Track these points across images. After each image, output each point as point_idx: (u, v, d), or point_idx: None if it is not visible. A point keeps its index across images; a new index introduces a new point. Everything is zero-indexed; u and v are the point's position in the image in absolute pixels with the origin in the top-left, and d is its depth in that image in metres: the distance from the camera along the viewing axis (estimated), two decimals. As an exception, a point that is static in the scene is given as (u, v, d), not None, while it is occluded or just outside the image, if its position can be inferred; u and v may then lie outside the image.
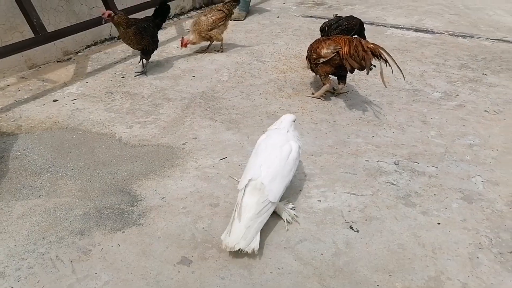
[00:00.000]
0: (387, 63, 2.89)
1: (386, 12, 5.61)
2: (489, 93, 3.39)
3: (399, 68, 2.90)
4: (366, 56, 2.84)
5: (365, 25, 3.93)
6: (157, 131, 2.80)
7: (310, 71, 3.42)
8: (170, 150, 2.60)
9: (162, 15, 3.64)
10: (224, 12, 3.96)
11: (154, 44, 3.56)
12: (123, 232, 1.96)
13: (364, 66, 2.88)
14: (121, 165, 2.43)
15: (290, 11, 5.59)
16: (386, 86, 3.04)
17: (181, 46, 3.86)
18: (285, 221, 2.01)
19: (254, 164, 1.99)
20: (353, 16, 3.90)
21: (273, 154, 2.00)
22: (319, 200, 2.20)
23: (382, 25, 5.07)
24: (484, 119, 3.01)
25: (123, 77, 3.57)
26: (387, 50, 2.89)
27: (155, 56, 4.01)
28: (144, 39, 3.42)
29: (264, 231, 1.98)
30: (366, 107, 3.16)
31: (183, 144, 2.66)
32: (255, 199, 1.84)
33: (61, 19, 3.76)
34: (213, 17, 3.89)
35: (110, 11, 3.28)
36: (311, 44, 3.21)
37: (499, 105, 3.21)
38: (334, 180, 2.35)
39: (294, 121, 2.24)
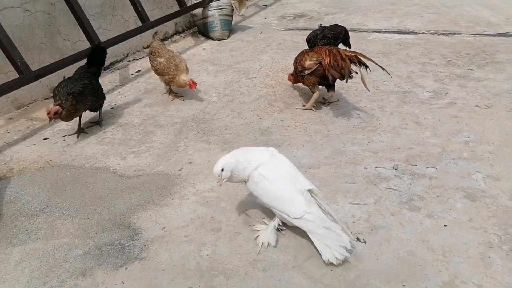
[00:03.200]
0: (368, 68, 2.90)
1: (366, 18, 5.69)
2: (478, 88, 3.42)
3: (382, 68, 2.93)
4: (345, 64, 2.87)
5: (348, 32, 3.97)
6: (152, 159, 2.76)
7: (298, 84, 3.43)
8: (166, 177, 2.56)
9: (97, 61, 3.24)
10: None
11: (100, 99, 3.17)
12: (126, 268, 1.90)
13: (344, 74, 2.89)
14: (118, 198, 2.38)
15: (272, 26, 5.65)
16: (369, 90, 3.05)
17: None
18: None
19: (290, 176, 2.00)
20: (337, 25, 3.94)
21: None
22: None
23: (364, 31, 5.13)
24: (477, 114, 3.02)
25: (112, 108, 3.54)
26: (366, 55, 2.91)
27: (142, 83, 4.01)
28: (85, 103, 2.99)
29: (270, 251, 1.94)
30: (359, 114, 3.16)
31: (179, 170, 2.62)
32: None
33: (45, 56, 3.75)
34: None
35: (56, 108, 2.82)
36: (295, 57, 3.23)
37: (489, 98, 3.23)
38: (335, 192, 2.33)
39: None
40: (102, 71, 3.40)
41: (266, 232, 1.99)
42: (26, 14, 3.58)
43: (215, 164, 2.02)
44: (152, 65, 3.56)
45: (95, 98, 3.10)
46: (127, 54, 4.66)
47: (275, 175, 1.96)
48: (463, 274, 1.75)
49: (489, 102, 3.18)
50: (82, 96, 2.95)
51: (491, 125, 2.86)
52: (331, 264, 1.80)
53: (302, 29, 5.32)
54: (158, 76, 3.62)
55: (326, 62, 2.92)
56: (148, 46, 4.94)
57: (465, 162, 2.49)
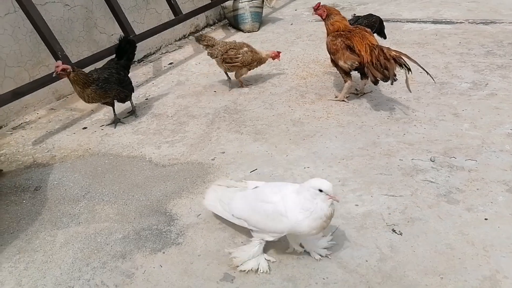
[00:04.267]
0: (410, 71, 2.77)
1: (400, 7, 5.52)
2: (521, 79, 3.26)
3: (427, 72, 2.80)
4: (390, 65, 2.73)
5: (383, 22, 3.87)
6: (185, 149, 2.81)
7: (331, 75, 3.39)
8: (200, 166, 2.61)
9: (127, 53, 3.21)
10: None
11: (126, 89, 3.14)
12: (164, 252, 1.96)
13: (388, 76, 2.77)
14: (154, 186, 2.45)
15: (303, 17, 5.59)
16: (411, 91, 2.91)
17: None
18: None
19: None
20: (371, 14, 3.86)
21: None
22: (357, 205, 2.14)
23: (398, 21, 4.98)
24: (519, 105, 2.89)
25: (147, 99, 3.63)
26: (411, 57, 2.78)
27: (175, 75, 4.08)
28: (108, 92, 2.99)
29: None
30: (393, 105, 3.09)
31: (212, 159, 2.67)
32: None
33: (83, 49, 3.88)
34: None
35: (66, 66, 2.83)
36: (328, 42, 3.09)
37: (534, 89, 3.08)
38: (369, 183, 2.30)
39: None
40: (133, 64, 3.42)
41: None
42: (65, 9, 3.72)
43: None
44: (232, 62, 3.42)
45: (121, 88, 3.09)
46: (160, 47, 4.76)
47: None
48: (505, 269, 1.69)
49: (534, 93, 3.03)
50: (106, 84, 2.96)
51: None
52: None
53: (333, 20, 5.22)
54: (233, 71, 3.52)
55: (366, 60, 2.83)
56: (180, 39, 5.02)
57: (507, 154, 2.39)
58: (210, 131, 3.02)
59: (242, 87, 3.64)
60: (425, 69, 2.79)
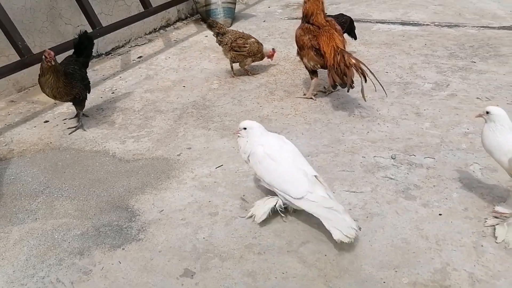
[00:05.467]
0: (366, 79, 2.82)
1: (371, 8, 5.63)
2: (480, 80, 3.40)
3: (379, 83, 2.82)
4: (348, 73, 2.79)
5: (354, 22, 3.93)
6: (151, 144, 2.77)
7: (300, 72, 3.43)
8: (165, 162, 2.58)
9: (86, 49, 3.07)
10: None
11: (86, 88, 2.98)
12: (123, 248, 1.93)
13: (346, 83, 2.83)
14: (117, 181, 2.40)
15: (276, 15, 5.61)
16: (366, 100, 2.96)
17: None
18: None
19: (297, 163, 2.03)
20: (342, 14, 3.92)
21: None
22: (319, 201, 2.17)
23: (368, 21, 5.09)
24: (477, 106, 3.01)
25: (113, 93, 3.55)
26: (368, 67, 2.84)
27: (143, 69, 4.01)
28: (74, 87, 2.83)
29: (265, 235, 1.96)
30: (359, 104, 3.16)
31: (178, 155, 2.64)
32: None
33: (46, 40, 3.75)
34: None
35: (53, 53, 2.69)
36: (297, 34, 3.11)
37: (491, 91, 3.21)
38: (333, 179, 2.34)
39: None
40: (100, 57, 3.32)
41: (261, 208, 2.01)
42: (28, -3, 3.57)
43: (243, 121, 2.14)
44: (240, 51, 3.53)
45: (83, 87, 2.92)
46: (129, 40, 4.66)
47: (279, 155, 1.99)
48: (455, 261, 1.76)
49: (490, 94, 3.16)
50: (72, 79, 2.82)
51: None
52: (342, 243, 1.79)
53: (305, 19, 5.27)
54: (238, 60, 3.62)
55: (330, 63, 2.87)
56: (150, 32, 4.93)
57: (463, 153, 2.49)
58: (177, 126, 2.98)
59: (248, 75, 3.72)
60: (380, 82, 2.83)
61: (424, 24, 4.87)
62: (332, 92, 3.34)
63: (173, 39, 4.83)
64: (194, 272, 1.79)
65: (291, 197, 1.90)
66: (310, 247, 1.89)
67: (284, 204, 2.00)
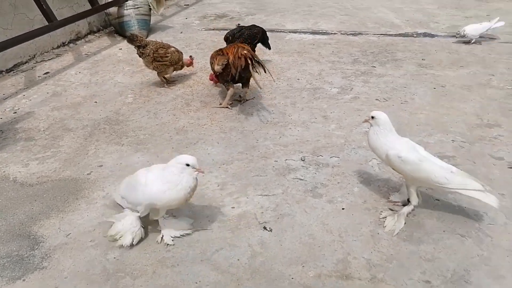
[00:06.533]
0: (265, 70, 3.01)
1: (284, 19, 5.92)
2: (379, 83, 3.74)
3: (269, 72, 3.05)
4: (239, 62, 2.96)
5: (267, 33, 4.09)
6: (58, 164, 2.62)
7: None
8: (74, 182, 2.45)
9: None
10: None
11: None
12: (24, 280, 1.80)
13: (237, 71, 2.98)
14: (18, 208, 2.23)
15: (193, 26, 5.64)
16: (261, 88, 3.25)
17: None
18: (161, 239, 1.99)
19: None
20: (255, 25, 4.06)
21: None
22: (233, 207, 2.23)
23: (282, 31, 5.34)
24: (376, 107, 3.31)
25: (15, 112, 3.30)
26: (259, 59, 3.03)
27: (51, 86, 3.78)
28: None
29: (179, 247, 1.96)
30: (272, 110, 3.29)
31: (88, 174, 2.53)
32: None
33: None
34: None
35: None
36: (210, 59, 3.28)
37: (387, 93, 3.55)
38: (246, 185, 2.41)
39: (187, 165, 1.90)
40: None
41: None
42: None
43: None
44: (162, 61, 3.55)
45: None
46: (34, 55, 4.36)
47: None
48: (355, 250, 1.92)
49: (387, 95, 3.50)
50: None
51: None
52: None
53: (222, 29, 5.37)
54: (161, 71, 3.64)
55: (231, 60, 3.00)
56: (59, 47, 4.67)
57: (363, 150, 2.72)
58: (87, 144, 2.86)
59: (166, 86, 3.73)
60: (269, 71, 3.07)
61: (332, 33, 5.23)
62: (247, 100, 3.45)
63: (84, 53, 4.63)
64: (103, 294, 1.73)
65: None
66: (223, 253, 1.93)
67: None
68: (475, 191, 1.95)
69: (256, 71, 3.03)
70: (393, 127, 2.11)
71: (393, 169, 2.12)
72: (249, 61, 2.97)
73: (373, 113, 2.12)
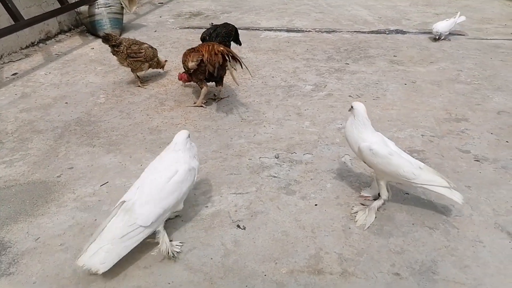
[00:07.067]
0: (242, 65, 3.03)
1: (259, 17, 5.92)
2: (352, 80, 3.80)
3: (246, 67, 3.07)
4: (216, 58, 2.97)
5: (242, 31, 4.08)
6: (27, 167, 2.55)
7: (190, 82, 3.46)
8: (43, 185, 2.39)
9: None
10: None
11: None
12: (-10, 287, 1.75)
13: (215, 67, 3.00)
14: (-16, 213, 2.17)
15: (168, 24, 5.58)
16: (238, 84, 3.30)
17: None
18: (161, 251, 1.87)
19: (133, 187, 1.93)
20: (227, 23, 4.04)
21: (151, 177, 1.92)
22: (206, 206, 2.22)
23: (257, 29, 5.34)
24: (349, 103, 3.33)
25: (-19, 115, 3.19)
26: (236, 54, 3.03)
27: (19, 87, 3.67)
28: None
29: (150, 248, 1.94)
30: (247, 109, 3.30)
31: (58, 176, 2.47)
32: (122, 221, 1.77)
33: None
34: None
35: None
36: (182, 57, 3.25)
37: (360, 89, 3.61)
38: (220, 184, 2.41)
39: (188, 137, 2.04)
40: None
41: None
42: None
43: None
44: (136, 57, 3.54)
45: None
46: (1, 56, 4.22)
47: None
48: (327, 245, 1.95)
49: (360, 92, 3.56)
50: None
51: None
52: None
53: (197, 28, 5.34)
54: (136, 68, 3.61)
55: (205, 57, 2.99)
56: (27, 47, 4.53)
57: (336, 146, 2.76)
58: (57, 146, 2.79)
59: (140, 85, 3.69)
60: (244, 64, 3.06)
61: (306, 31, 5.27)
62: (222, 99, 3.44)
63: (55, 52, 4.51)
64: (73, 298, 1.70)
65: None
66: (196, 253, 1.92)
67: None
68: (441, 187, 2.01)
69: (233, 68, 3.03)
70: (368, 120, 2.14)
71: (364, 161, 2.15)
72: (227, 57, 2.96)
73: (353, 104, 2.16)
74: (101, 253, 1.71)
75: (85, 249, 1.74)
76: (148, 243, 1.96)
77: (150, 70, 3.79)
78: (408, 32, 5.18)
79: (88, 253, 1.71)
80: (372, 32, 5.21)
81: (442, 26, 4.72)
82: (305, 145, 2.79)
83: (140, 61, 3.57)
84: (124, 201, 1.83)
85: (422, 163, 2.08)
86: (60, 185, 2.40)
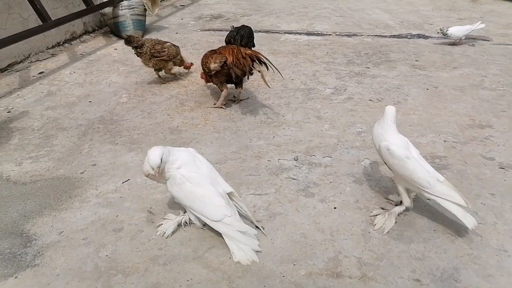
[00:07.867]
0: (268, 66, 3.03)
1: (280, 20, 5.94)
2: (372, 84, 3.77)
3: (276, 69, 3.04)
4: (246, 62, 2.99)
5: (262, 33, 4.09)
6: (52, 163, 2.63)
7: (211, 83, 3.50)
8: (67, 181, 2.46)
9: None
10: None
11: None
12: (16, 277, 1.80)
13: (245, 71, 3.03)
14: (11, 206, 2.24)
15: (189, 26, 5.65)
16: (269, 87, 3.29)
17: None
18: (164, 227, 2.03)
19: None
20: (244, 25, 4.07)
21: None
22: (225, 206, 2.23)
23: (277, 32, 5.36)
24: (369, 107, 3.34)
25: (9, 112, 3.29)
26: (264, 55, 3.05)
27: (45, 85, 3.78)
28: None
29: (171, 246, 1.97)
30: (266, 111, 3.31)
31: (81, 173, 2.53)
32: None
33: None
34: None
35: None
36: (202, 59, 3.28)
37: (381, 93, 3.58)
38: (239, 184, 2.42)
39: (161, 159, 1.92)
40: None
41: (169, 223, 2.03)
42: None
43: (149, 157, 1.87)
44: (160, 56, 3.60)
45: None
46: (29, 55, 4.35)
47: (197, 177, 1.95)
48: (346, 249, 1.94)
49: (381, 96, 3.52)
50: None
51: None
52: (240, 263, 1.86)
53: (218, 30, 5.40)
54: (160, 66, 3.68)
55: (230, 60, 3.01)
56: (54, 46, 4.67)
57: (356, 150, 2.74)
58: (81, 143, 2.86)
59: (163, 82, 3.80)
60: (275, 66, 3.03)
61: (326, 34, 5.26)
62: (241, 100, 3.46)
63: (79, 52, 4.63)
64: (95, 292, 1.73)
65: (209, 219, 1.92)
66: (215, 251, 1.94)
67: (192, 220, 2.05)
68: (455, 205, 1.93)
69: (258, 70, 3.04)
70: (395, 122, 2.12)
71: (383, 161, 2.13)
72: (256, 60, 3.00)
73: (386, 106, 2.15)
74: None
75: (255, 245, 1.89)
76: (169, 241, 1.98)
77: (176, 69, 3.85)
78: (431, 37, 5.10)
79: None
80: (393, 36, 5.16)
81: (454, 29, 4.63)
82: (324, 148, 2.78)
83: (164, 59, 3.63)
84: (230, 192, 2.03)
85: (443, 177, 2.01)
86: (83, 181, 2.45)
